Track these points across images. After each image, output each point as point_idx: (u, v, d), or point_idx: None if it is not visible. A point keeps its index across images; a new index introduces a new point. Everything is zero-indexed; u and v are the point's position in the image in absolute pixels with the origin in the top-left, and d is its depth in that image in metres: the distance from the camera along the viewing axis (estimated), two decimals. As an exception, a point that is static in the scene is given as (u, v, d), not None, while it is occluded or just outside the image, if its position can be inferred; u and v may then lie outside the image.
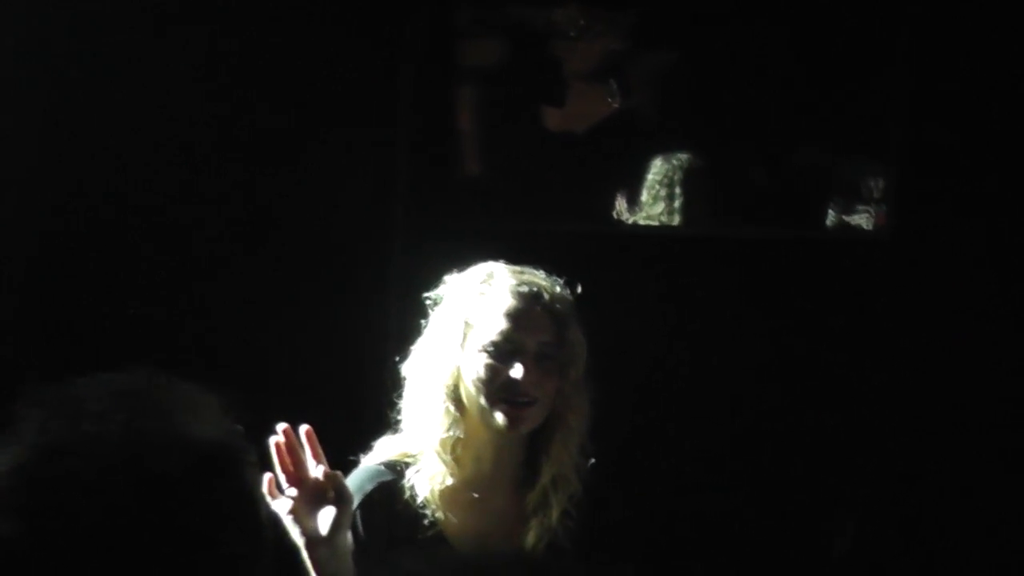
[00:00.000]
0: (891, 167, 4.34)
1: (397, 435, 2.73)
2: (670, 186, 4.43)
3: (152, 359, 1.38)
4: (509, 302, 2.62)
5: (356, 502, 2.58)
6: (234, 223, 4.11)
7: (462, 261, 2.75)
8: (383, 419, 2.75)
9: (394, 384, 2.73)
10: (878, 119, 4.35)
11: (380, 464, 2.70)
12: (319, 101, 4.13)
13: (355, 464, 2.74)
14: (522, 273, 2.67)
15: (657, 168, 4.46)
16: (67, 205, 4.03)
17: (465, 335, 2.63)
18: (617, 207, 4.47)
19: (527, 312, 2.61)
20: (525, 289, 2.63)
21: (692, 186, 4.42)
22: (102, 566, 1.26)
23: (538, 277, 2.67)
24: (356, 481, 2.65)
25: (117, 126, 4.02)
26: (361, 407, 2.99)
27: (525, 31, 4.62)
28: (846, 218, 4.42)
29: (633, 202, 4.48)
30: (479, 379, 2.61)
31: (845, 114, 4.39)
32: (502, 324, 2.60)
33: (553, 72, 4.66)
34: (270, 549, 1.35)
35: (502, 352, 2.60)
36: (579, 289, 2.71)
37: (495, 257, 2.75)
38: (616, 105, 4.65)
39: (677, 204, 4.42)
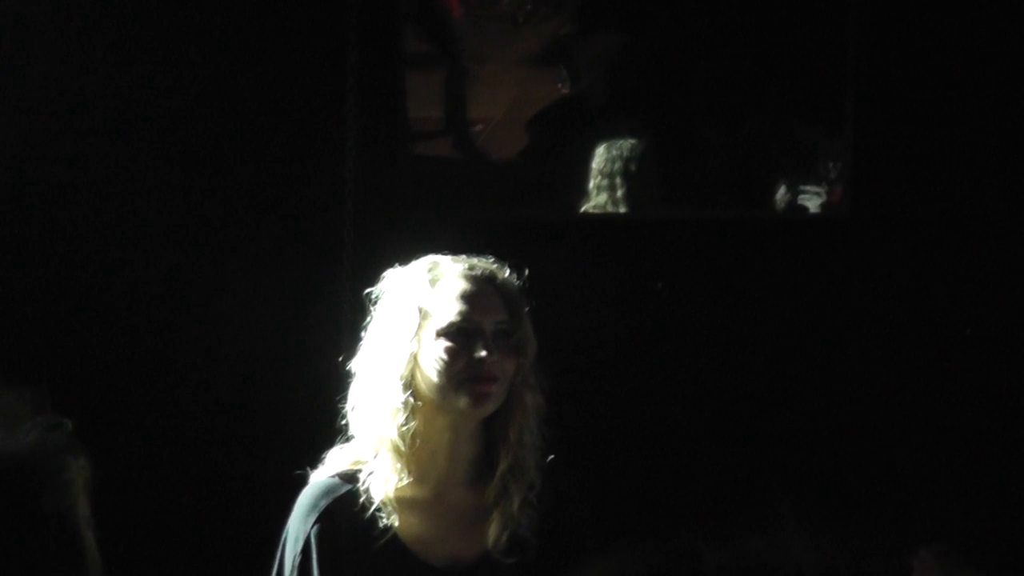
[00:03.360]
0: (845, 145, 4.30)
1: (347, 444, 2.71)
2: (611, 176, 4.38)
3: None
4: (462, 285, 2.63)
5: (312, 519, 2.59)
6: (174, 224, 4.02)
7: (413, 253, 2.73)
8: (333, 429, 2.72)
9: (341, 391, 2.71)
10: (831, 96, 4.31)
11: (333, 476, 2.68)
12: (264, 94, 4.06)
13: (303, 479, 2.71)
14: (467, 260, 2.68)
15: (600, 157, 4.42)
16: None
17: (420, 323, 2.62)
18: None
19: (481, 293, 2.63)
20: (477, 272, 2.65)
21: (640, 171, 4.38)
22: None
23: (485, 262, 2.69)
24: (310, 499, 2.65)
25: (66, 124, 3.94)
26: (311, 417, 2.94)
27: (472, 15, 4.57)
28: (799, 198, 4.38)
29: (582, 190, 4.43)
30: (441, 363, 2.60)
31: (797, 92, 4.35)
32: (459, 307, 2.61)
33: (501, 57, 4.62)
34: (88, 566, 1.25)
35: (462, 334, 2.60)
36: (526, 273, 2.71)
37: (444, 245, 2.75)
38: (565, 91, 4.62)
39: (620, 194, 4.38)
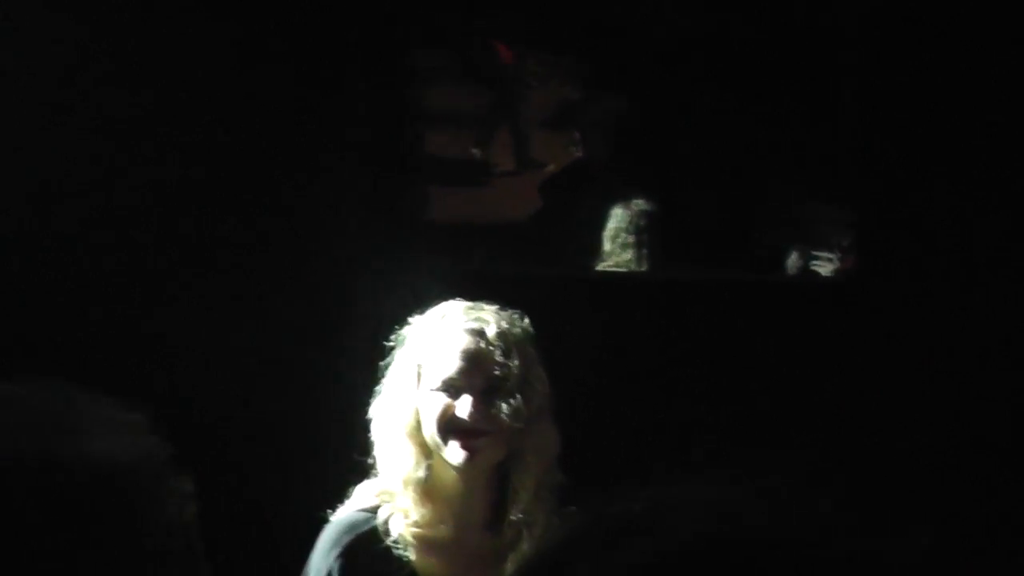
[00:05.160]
0: (855, 213, 4.32)
1: (375, 479, 2.74)
2: (638, 232, 4.39)
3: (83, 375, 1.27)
4: (455, 340, 2.66)
5: (334, 555, 2.64)
6: (192, 245, 4.01)
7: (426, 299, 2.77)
8: (355, 464, 2.75)
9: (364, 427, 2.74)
10: (840, 162, 4.33)
11: (357, 511, 2.72)
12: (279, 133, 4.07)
13: (325, 520, 2.73)
14: (472, 310, 2.70)
15: (620, 215, 4.43)
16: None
17: (419, 375, 2.69)
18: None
19: (473, 349, 2.65)
20: (472, 326, 2.67)
21: (653, 231, 4.39)
22: None
23: (488, 312, 2.70)
24: (333, 533, 2.69)
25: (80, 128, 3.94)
26: (332, 450, 2.96)
27: (484, 75, 4.61)
28: (811, 263, 4.39)
29: (594, 249, 4.44)
30: (431, 417, 2.65)
31: (807, 158, 4.37)
32: (448, 362, 2.65)
33: (513, 117, 4.66)
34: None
35: (450, 389, 2.64)
36: (526, 321, 2.72)
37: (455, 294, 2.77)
38: (578, 154, 4.65)
39: (645, 251, 4.39)
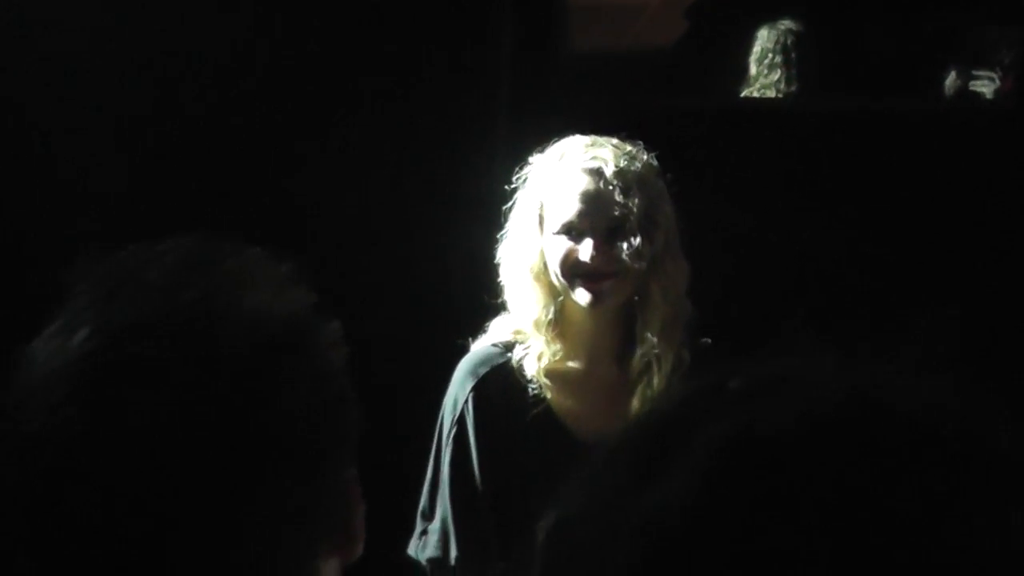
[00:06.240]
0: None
1: (509, 315, 2.77)
2: (785, 52, 4.25)
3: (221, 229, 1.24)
4: (574, 182, 2.66)
5: (469, 386, 2.71)
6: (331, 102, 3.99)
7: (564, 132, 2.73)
8: (490, 302, 2.78)
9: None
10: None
11: (493, 344, 2.76)
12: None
13: (465, 348, 2.79)
14: (592, 146, 2.67)
15: (766, 36, 4.29)
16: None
17: (542, 218, 2.68)
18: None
19: (591, 190, 2.64)
20: (590, 165, 2.65)
21: (803, 54, 4.24)
22: (171, 453, 1.15)
23: (607, 149, 2.67)
24: (469, 364, 2.75)
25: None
26: (469, 288, 2.97)
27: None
28: (970, 85, 4.21)
29: (742, 75, 4.32)
30: (556, 261, 2.66)
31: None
32: (569, 205, 2.64)
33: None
34: (352, 430, 1.24)
35: (572, 232, 2.65)
36: (650, 156, 2.68)
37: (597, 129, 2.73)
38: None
39: (794, 72, 4.24)
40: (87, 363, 1.17)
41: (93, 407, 1.15)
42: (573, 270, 2.64)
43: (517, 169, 2.73)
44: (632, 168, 2.65)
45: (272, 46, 3.94)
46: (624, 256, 2.62)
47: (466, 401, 2.71)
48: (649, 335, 2.68)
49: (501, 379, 2.72)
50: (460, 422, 2.71)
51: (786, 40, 4.26)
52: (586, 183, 2.64)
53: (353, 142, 3.91)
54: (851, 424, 0.74)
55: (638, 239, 2.62)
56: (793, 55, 4.25)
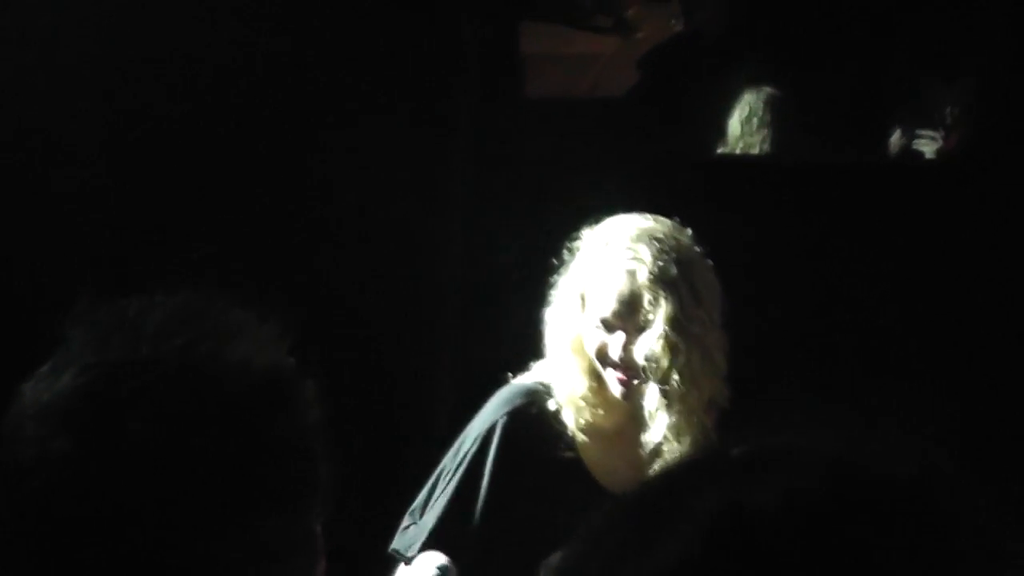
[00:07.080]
0: (963, 90, 4.23)
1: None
2: (770, 114, 4.34)
3: (208, 281, 1.32)
4: (612, 279, 2.76)
5: (503, 411, 2.82)
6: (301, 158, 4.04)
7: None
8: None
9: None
10: (953, 37, 4.24)
11: (536, 382, 2.87)
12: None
13: (503, 381, 2.89)
14: (636, 240, 2.76)
15: (751, 97, 4.35)
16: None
17: (583, 301, 2.81)
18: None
19: (627, 293, 2.74)
20: (629, 266, 2.75)
21: (776, 113, 4.33)
22: (153, 488, 1.22)
23: (646, 246, 2.74)
24: (508, 394, 2.86)
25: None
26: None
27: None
28: (914, 143, 4.31)
29: (718, 131, 4.37)
30: (592, 348, 2.79)
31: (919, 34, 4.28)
32: (606, 302, 2.76)
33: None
34: (323, 483, 1.31)
35: (609, 328, 2.77)
36: (692, 242, 2.79)
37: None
38: (678, 28, 4.57)
39: (766, 136, 4.34)
40: (78, 396, 1.24)
41: (83, 438, 1.22)
42: (606, 360, 2.77)
43: (568, 240, 2.85)
44: (669, 271, 2.75)
45: (238, 100, 3.98)
46: (647, 356, 2.73)
47: (495, 425, 2.81)
48: (673, 412, 2.77)
49: (535, 416, 2.83)
50: (483, 443, 2.80)
51: (771, 102, 4.35)
52: (622, 284, 2.75)
53: (317, 191, 3.95)
54: (833, 497, 0.78)
55: (660, 342, 2.72)
56: (772, 119, 4.34)
